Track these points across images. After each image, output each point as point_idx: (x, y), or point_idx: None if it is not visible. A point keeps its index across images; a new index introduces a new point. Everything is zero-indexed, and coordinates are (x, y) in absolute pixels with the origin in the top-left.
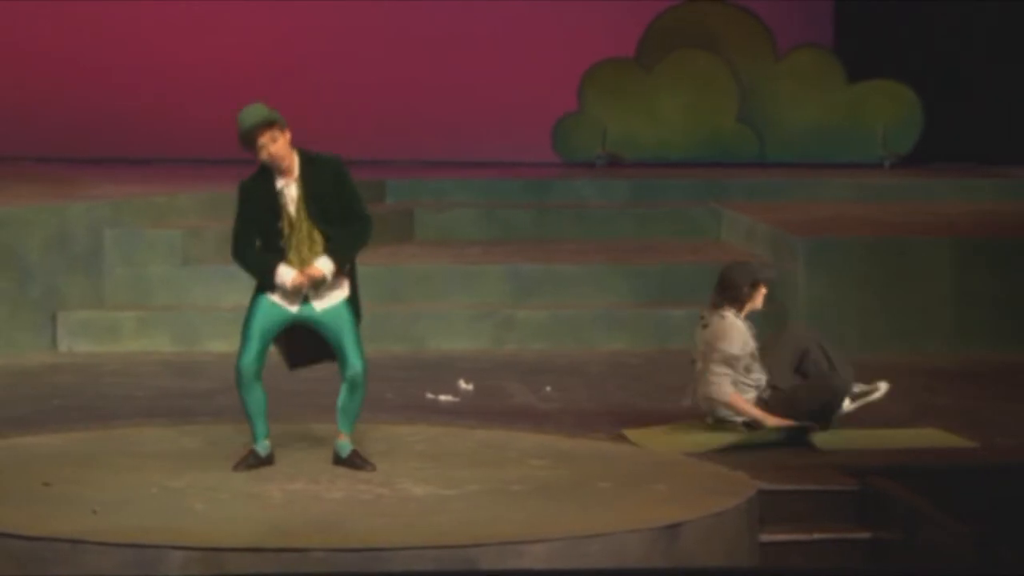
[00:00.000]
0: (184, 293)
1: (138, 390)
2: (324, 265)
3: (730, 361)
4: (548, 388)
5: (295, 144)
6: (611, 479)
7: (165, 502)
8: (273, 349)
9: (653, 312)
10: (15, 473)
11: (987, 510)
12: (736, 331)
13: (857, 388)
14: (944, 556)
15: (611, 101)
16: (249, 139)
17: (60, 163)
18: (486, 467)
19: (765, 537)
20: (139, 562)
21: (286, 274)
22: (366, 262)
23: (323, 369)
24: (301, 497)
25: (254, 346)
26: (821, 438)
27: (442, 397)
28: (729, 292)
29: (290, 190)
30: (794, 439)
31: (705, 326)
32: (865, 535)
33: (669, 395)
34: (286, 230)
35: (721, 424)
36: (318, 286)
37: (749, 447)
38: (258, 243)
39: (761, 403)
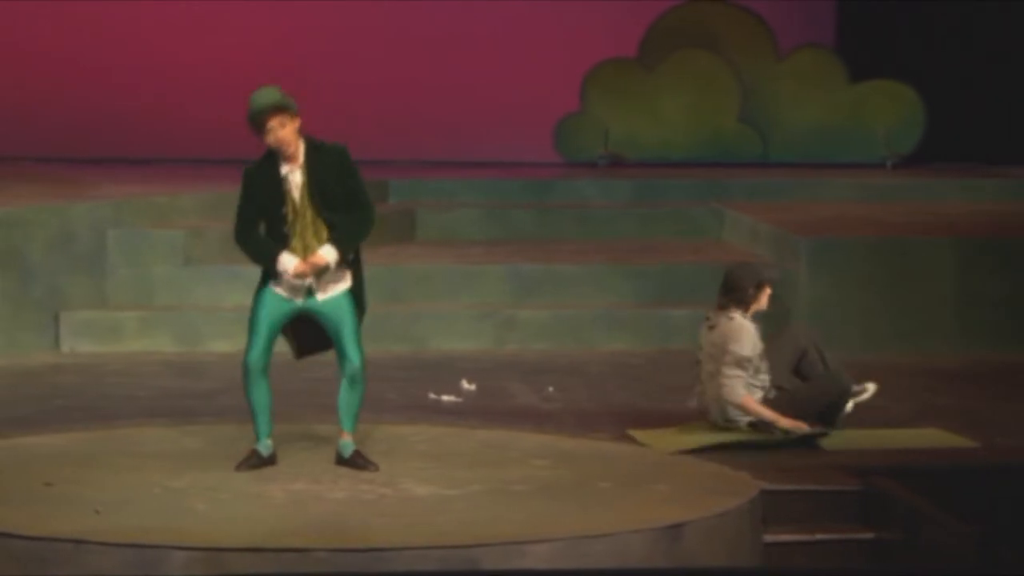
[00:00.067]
0: (186, 293)
1: (140, 390)
2: (328, 253)
3: (742, 363)
4: (550, 388)
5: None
6: (613, 479)
7: (167, 502)
8: (280, 340)
9: (654, 312)
10: (17, 473)
11: (988, 510)
12: (746, 333)
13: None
14: (946, 556)
15: (613, 101)
16: (258, 121)
17: (60, 163)
18: (488, 467)
19: (768, 537)
20: (140, 562)
21: (288, 262)
22: (368, 262)
23: (324, 369)
24: (303, 497)
25: (261, 340)
26: (823, 438)
27: (444, 397)
28: (734, 293)
29: (294, 176)
30: (800, 441)
31: (712, 327)
32: (867, 535)
33: (670, 395)
34: (290, 216)
35: (727, 425)
36: (321, 275)
37: (754, 447)
38: (262, 229)
39: (767, 403)
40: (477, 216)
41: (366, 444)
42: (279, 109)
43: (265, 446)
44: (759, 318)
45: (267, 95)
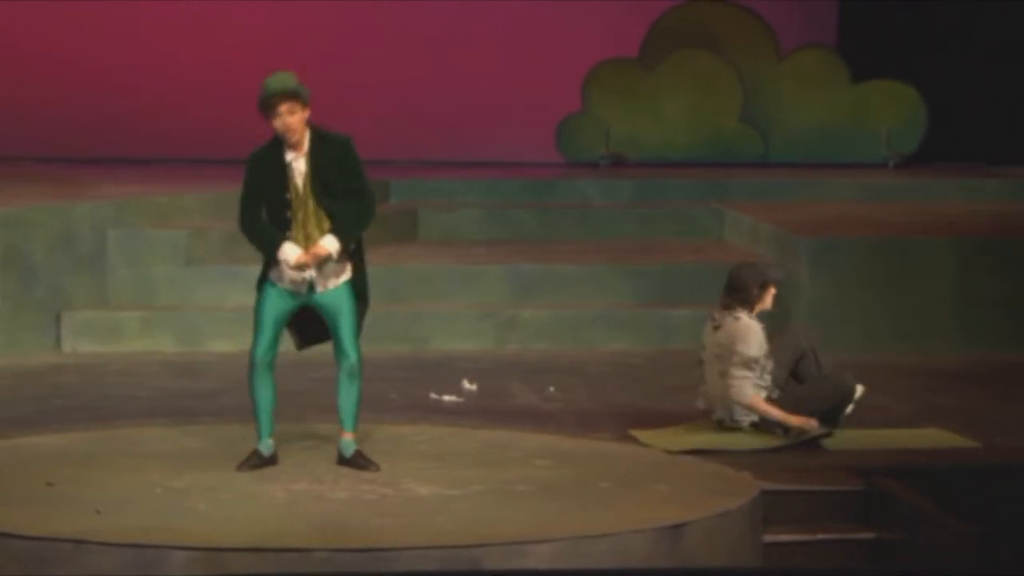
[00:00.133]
0: (187, 293)
1: (141, 390)
2: (329, 244)
3: (749, 364)
4: (551, 388)
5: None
6: (614, 479)
7: (167, 502)
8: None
9: (655, 312)
10: (17, 473)
11: (989, 510)
12: (753, 333)
13: None
14: (946, 556)
15: (614, 101)
16: (268, 104)
17: (61, 163)
18: (489, 467)
19: (768, 537)
20: (141, 562)
21: (291, 252)
22: (369, 262)
23: (325, 369)
24: (305, 497)
25: (267, 335)
26: (825, 438)
27: (445, 397)
28: (739, 293)
29: (298, 164)
30: (801, 443)
31: (716, 327)
32: (868, 535)
33: (671, 395)
34: (292, 203)
35: (732, 425)
36: (322, 266)
37: (756, 453)
38: (264, 215)
39: (771, 404)
40: (478, 216)
41: (367, 444)
42: (292, 96)
43: (266, 446)
44: (763, 318)
45: (282, 79)
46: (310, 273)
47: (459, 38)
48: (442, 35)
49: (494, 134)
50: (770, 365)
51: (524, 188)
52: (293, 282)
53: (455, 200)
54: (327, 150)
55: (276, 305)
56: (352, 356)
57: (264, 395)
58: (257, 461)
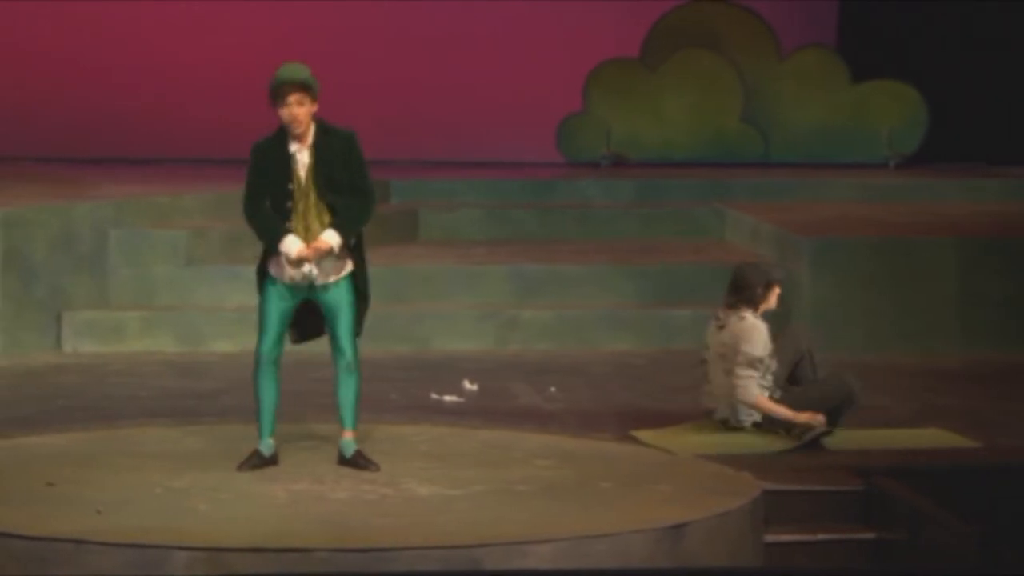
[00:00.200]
0: (188, 293)
1: (142, 390)
2: (331, 238)
3: (754, 363)
4: (552, 388)
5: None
6: (616, 479)
7: (168, 502)
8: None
9: (657, 312)
10: (18, 473)
11: (990, 510)
12: (758, 333)
13: None
14: (947, 556)
15: (616, 101)
16: (279, 92)
17: (61, 163)
18: (491, 467)
19: (769, 537)
20: (142, 562)
21: (292, 245)
22: (370, 262)
23: (326, 369)
24: (305, 497)
25: (272, 332)
26: (826, 437)
27: (446, 397)
28: (743, 293)
29: (302, 156)
30: (803, 445)
31: (721, 327)
32: (869, 535)
33: (673, 395)
34: (295, 194)
35: (735, 425)
36: (322, 260)
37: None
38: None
39: (775, 402)
40: (479, 216)
41: (368, 444)
42: (303, 87)
43: (267, 445)
44: (767, 317)
45: (296, 70)
46: (308, 267)
47: (460, 38)
48: (443, 35)
49: (495, 134)
50: (773, 365)
51: (525, 188)
52: (292, 278)
53: (456, 200)
54: (332, 144)
55: (279, 302)
56: (348, 352)
57: (268, 393)
58: (258, 461)
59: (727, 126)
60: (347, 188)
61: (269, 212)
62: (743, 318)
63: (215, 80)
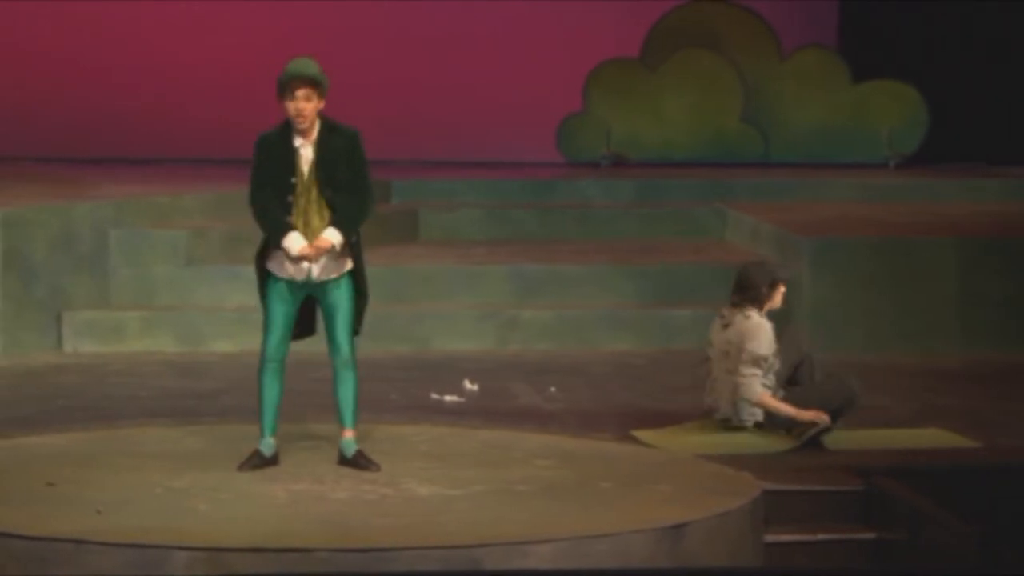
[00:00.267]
0: (188, 293)
1: (142, 390)
2: (332, 236)
3: (759, 362)
4: (552, 388)
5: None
6: (615, 479)
7: (168, 502)
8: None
9: (657, 312)
10: (18, 473)
11: (990, 510)
12: (763, 332)
13: None
14: (948, 556)
15: (616, 101)
16: (288, 86)
17: (61, 163)
18: (491, 467)
19: (769, 537)
20: (142, 562)
21: (295, 242)
22: (370, 262)
23: (324, 369)
24: (305, 497)
25: (276, 333)
26: (827, 437)
27: (447, 397)
28: (749, 292)
29: (306, 151)
30: (803, 444)
31: (726, 325)
32: (869, 535)
33: (673, 395)
34: (297, 188)
35: (737, 424)
36: (322, 257)
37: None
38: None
39: (779, 400)
40: (479, 216)
41: (368, 444)
42: (312, 83)
43: (267, 445)
44: (772, 317)
45: (306, 65)
46: (308, 265)
47: (460, 38)
48: (443, 35)
49: (495, 134)
50: (776, 364)
51: (525, 188)
52: (291, 274)
53: (456, 200)
54: (336, 141)
55: (283, 300)
56: (345, 350)
57: (271, 392)
58: (258, 461)
59: (727, 126)
60: (347, 186)
61: (274, 206)
62: (749, 316)
63: (215, 80)
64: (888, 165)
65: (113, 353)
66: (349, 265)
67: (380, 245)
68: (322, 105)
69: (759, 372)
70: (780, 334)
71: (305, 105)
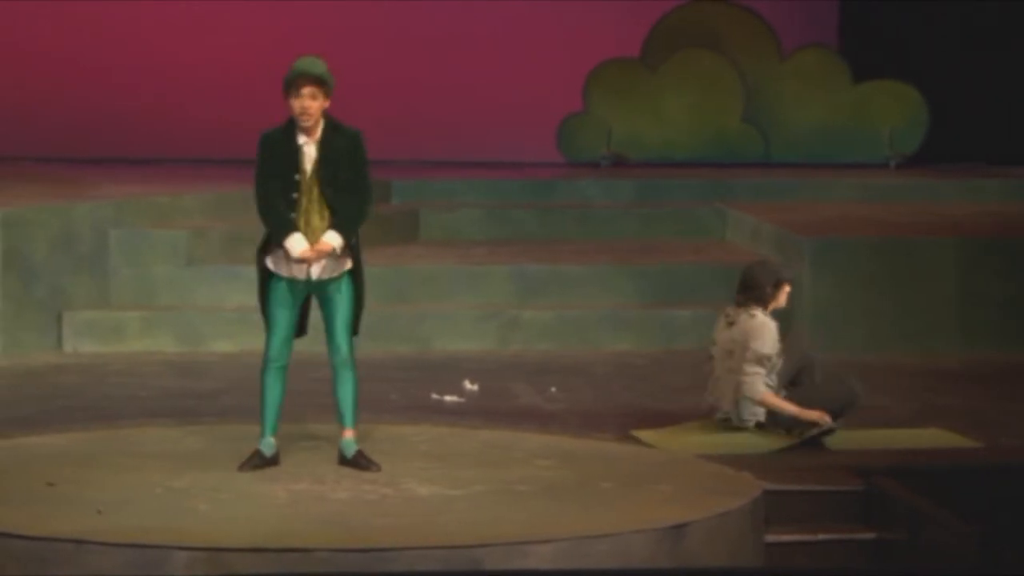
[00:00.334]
0: (188, 293)
1: (142, 390)
2: (333, 239)
3: (762, 360)
4: (553, 389)
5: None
6: (616, 479)
7: (168, 502)
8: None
9: (658, 313)
10: (18, 473)
11: (991, 510)
12: (768, 331)
13: None
14: (948, 556)
15: (616, 101)
16: (295, 83)
17: (61, 163)
18: (491, 467)
19: (769, 537)
20: (142, 562)
21: (297, 244)
22: (371, 263)
23: (324, 369)
24: (306, 497)
25: (279, 334)
26: (827, 436)
27: (447, 397)
28: (753, 292)
29: (309, 149)
30: (804, 443)
31: (731, 324)
32: (869, 535)
33: (674, 395)
34: (302, 185)
35: (739, 424)
36: (323, 259)
37: (763, 454)
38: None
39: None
40: (480, 216)
41: (368, 444)
42: (319, 82)
43: (268, 445)
44: (775, 317)
45: (315, 64)
46: (308, 267)
47: (460, 38)
48: (443, 35)
49: (495, 134)
50: (779, 364)
51: (525, 188)
52: (292, 273)
53: (456, 200)
54: (339, 141)
55: (284, 303)
56: (344, 349)
57: (273, 393)
58: (258, 461)
59: (728, 126)
60: (346, 184)
61: (280, 203)
62: (754, 315)
63: (215, 80)
64: (889, 165)
65: (113, 353)
66: (349, 265)
67: (381, 245)
68: (327, 104)
69: (762, 371)
70: (784, 335)
71: (310, 103)
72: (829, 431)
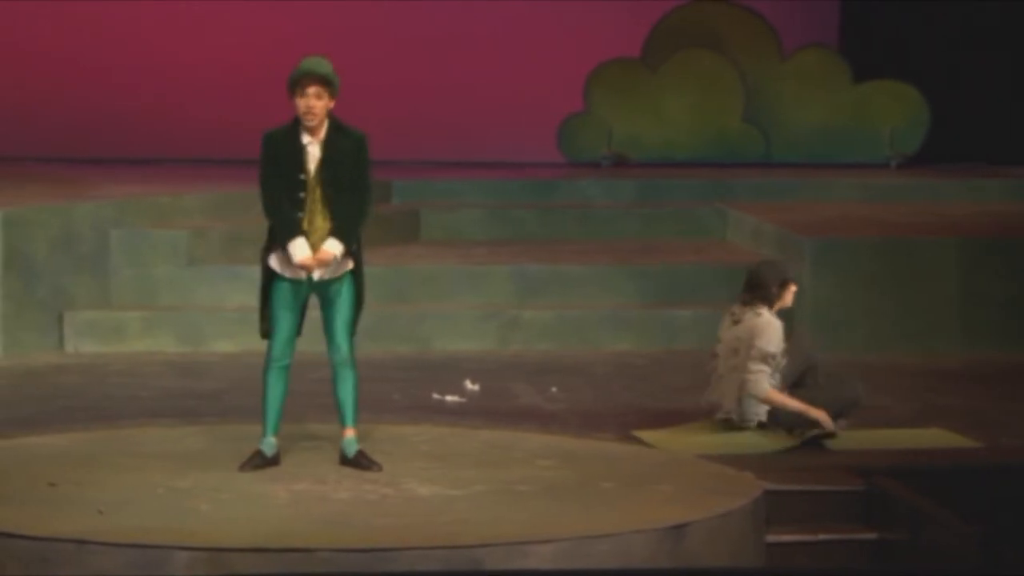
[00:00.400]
0: (189, 293)
1: (143, 390)
2: (334, 247)
3: (767, 359)
4: (554, 389)
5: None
6: (616, 480)
7: (170, 502)
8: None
9: (659, 313)
10: (19, 473)
11: (992, 510)
12: (773, 329)
13: None
14: (949, 556)
15: (617, 101)
16: (301, 82)
17: (61, 163)
18: (492, 467)
19: (770, 537)
20: (144, 562)
21: (300, 250)
22: (372, 262)
23: (325, 369)
24: (307, 497)
25: (282, 335)
26: (828, 437)
27: (448, 398)
28: (759, 291)
29: (313, 149)
30: (805, 443)
31: (736, 322)
32: (870, 535)
33: (675, 395)
34: (307, 185)
35: (740, 424)
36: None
37: (764, 454)
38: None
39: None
40: (481, 216)
41: (369, 444)
42: (325, 82)
43: (269, 445)
44: (780, 316)
45: (321, 64)
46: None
47: (461, 38)
48: (444, 35)
49: (496, 134)
50: (783, 363)
51: (526, 188)
52: (294, 273)
53: (457, 200)
54: (343, 142)
55: (287, 304)
56: (344, 348)
57: (275, 393)
58: (259, 461)
59: (728, 126)
60: (348, 185)
61: (286, 202)
62: (759, 314)
63: (215, 80)
64: (889, 165)
65: (114, 353)
66: (350, 265)
67: (381, 245)
68: (332, 104)
69: (767, 369)
70: (787, 335)
71: (315, 103)
72: (832, 435)
